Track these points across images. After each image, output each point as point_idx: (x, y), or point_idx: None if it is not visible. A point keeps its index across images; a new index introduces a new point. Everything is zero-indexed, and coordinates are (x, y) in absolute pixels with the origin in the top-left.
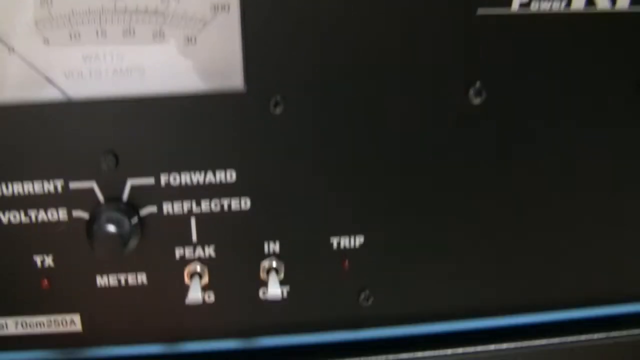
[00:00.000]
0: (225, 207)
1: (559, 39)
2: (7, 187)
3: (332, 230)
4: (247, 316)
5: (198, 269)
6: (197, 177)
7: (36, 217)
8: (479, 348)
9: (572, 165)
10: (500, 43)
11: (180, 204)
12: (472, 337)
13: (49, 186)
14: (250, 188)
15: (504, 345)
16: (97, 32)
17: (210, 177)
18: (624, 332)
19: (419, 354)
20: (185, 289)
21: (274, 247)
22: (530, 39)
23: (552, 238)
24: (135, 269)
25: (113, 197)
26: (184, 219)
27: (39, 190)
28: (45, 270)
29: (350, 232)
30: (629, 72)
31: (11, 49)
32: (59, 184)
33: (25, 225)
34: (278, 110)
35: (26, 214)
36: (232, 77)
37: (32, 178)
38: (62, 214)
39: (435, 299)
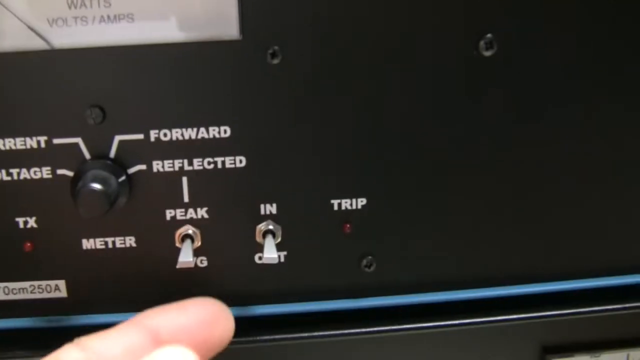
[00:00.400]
0: (219, 165)
1: None
2: None
3: (333, 191)
4: (241, 282)
5: (190, 231)
6: (189, 133)
7: (18, 176)
8: (489, 318)
9: (589, 123)
10: None
11: (171, 162)
12: (481, 306)
13: (31, 142)
14: (246, 145)
15: (514, 316)
16: None
17: (203, 133)
18: None
19: (424, 324)
20: (176, 252)
21: (271, 209)
22: None
23: (566, 201)
24: (123, 232)
25: (100, 154)
26: (175, 178)
27: (21, 147)
28: (28, 232)
29: (352, 193)
30: None
31: None
32: (43, 140)
33: (7, 183)
34: (276, 61)
35: (8, 173)
36: (227, 24)
37: (13, 134)
38: (46, 172)
39: (442, 266)
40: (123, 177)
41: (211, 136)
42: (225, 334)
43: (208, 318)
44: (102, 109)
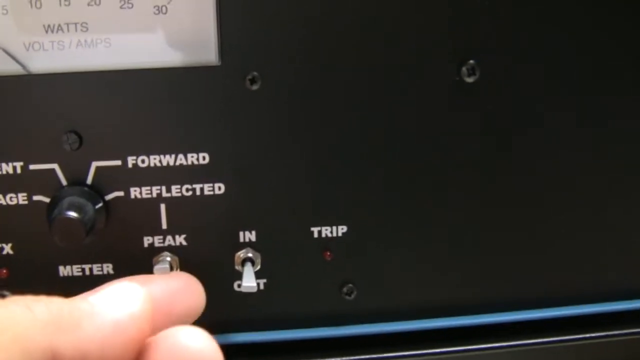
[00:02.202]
0: (198, 192)
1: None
2: None
3: (313, 218)
4: (220, 310)
5: (168, 259)
6: (168, 160)
7: None
8: (472, 346)
9: (572, 147)
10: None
11: (149, 189)
12: (464, 334)
13: (7, 168)
14: (225, 172)
15: (499, 344)
16: (59, 0)
17: (181, 159)
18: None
19: (405, 352)
20: None
21: (250, 236)
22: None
23: (551, 229)
24: (100, 259)
25: (76, 181)
26: (153, 204)
27: None
28: (4, 259)
29: (332, 220)
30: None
31: None
32: (19, 165)
33: None
34: (255, 87)
35: None
36: (206, 50)
37: None
38: (22, 198)
39: (423, 294)
40: (100, 204)
41: (189, 163)
42: (193, 306)
43: (172, 289)
44: (78, 135)
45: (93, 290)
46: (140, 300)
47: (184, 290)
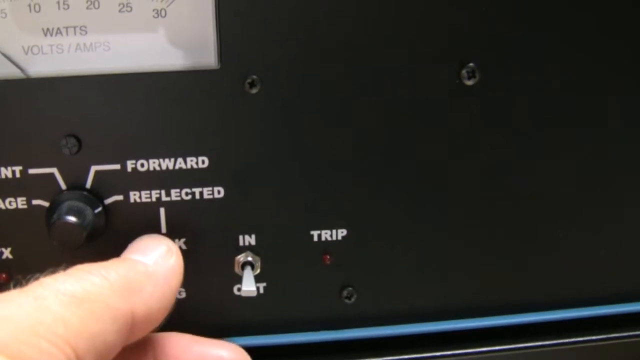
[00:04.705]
0: (197, 196)
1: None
2: None
3: (313, 222)
4: (220, 314)
5: None
6: (167, 164)
7: None
8: (473, 349)
9: (572, 149)
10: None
11: (149, 193)
12: (464, 337)
13: (6, 172)
14: (224, 176)
15: (499, 347)
16: (58, 4)
17: (180, 163)
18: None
19: (405, 356)
20: None
21: (250, 240)
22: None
23: (552, 231)
24: None
25: (76, 185)
26: (153, 209)
27: None
28: (3, 263)
29: (332, 224)
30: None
31: None
32: (18, 170)
33: None
34: (254, 90)
35: None
36: (205, 53)
37: None
38: (21, 203)
39: (423, 297)
40: (99, 208)
41: (189, 166)
42: None
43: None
44: (78, 139)
45: (133, 248)
46: (174, 253)
47: None
